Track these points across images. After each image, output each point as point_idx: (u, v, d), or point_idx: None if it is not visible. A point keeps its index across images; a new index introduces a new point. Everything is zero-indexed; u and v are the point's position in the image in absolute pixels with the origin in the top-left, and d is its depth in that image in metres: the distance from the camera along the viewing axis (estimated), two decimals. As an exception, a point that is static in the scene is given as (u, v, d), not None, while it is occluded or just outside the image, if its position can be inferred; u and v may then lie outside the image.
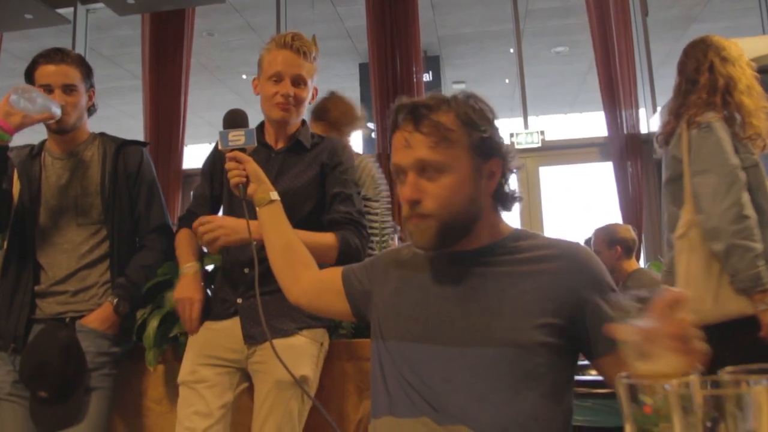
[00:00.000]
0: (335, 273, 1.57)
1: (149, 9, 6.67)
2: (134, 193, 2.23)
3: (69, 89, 2.13)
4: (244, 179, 1.64)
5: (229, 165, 1.66)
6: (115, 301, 2.08)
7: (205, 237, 1.79)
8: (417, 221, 1.30)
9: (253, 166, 1.65)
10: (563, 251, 1.32)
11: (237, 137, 1.66)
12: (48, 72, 2.11)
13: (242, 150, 1.67)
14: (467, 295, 1.31)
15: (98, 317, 2.06)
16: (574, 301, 1.26)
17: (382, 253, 1.56)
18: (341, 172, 2.01)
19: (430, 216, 1.28)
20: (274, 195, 1.64)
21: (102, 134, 2.30)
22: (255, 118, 2.07)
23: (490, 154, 1.32)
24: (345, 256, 1.86)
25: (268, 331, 1.57)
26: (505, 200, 1.38)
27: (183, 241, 2.11)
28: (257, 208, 1.63)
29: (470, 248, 1.36)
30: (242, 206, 1.68)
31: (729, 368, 0.65)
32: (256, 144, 1.71)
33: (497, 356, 1.23)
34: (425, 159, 1.27)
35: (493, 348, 1.23)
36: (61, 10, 6.86)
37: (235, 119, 1.73)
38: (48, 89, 2.10)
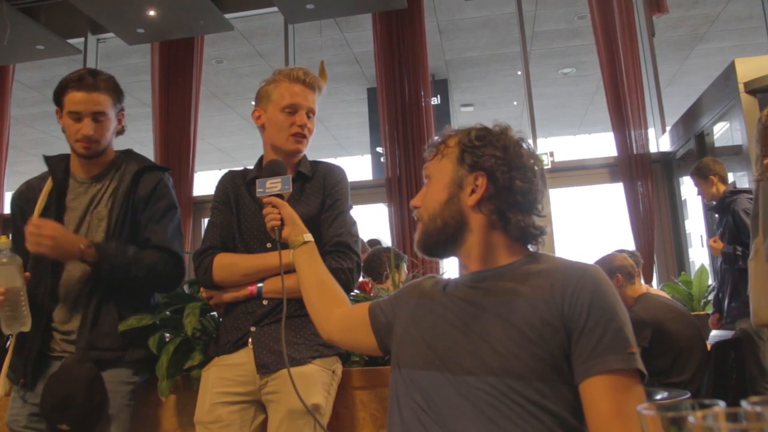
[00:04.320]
0: (363, 308, 1.59)
1: (159, 38, 6.76)
2: (142, 219, 2.11)
3: (98, 117, 2.07)
4: (279, 222, 1.71)
5: (266, 210, 1.74)
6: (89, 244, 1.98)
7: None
8: (417, 226, 1.44)
9: (288, 211, 1.73)
10: (570, 275, 1.26)
11: (274, 184, 1.77)
12: (78, 99, 2.04)
13: (279, 196, 1.76)
14: (469, 322, 1.30)
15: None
16: (571, 327, 1.21)
17: (407, 285, 1.56)
18: (331, 194, 2.05)
19: (420, 220, 1.43)
20: (308, 237, 1.71)
21: (128, 154, 2.22)
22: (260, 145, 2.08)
23: (474, 168, 1.35)
24: (339, 282, 1.83)
25: (285, 351, 1.63)
26: (507, 223, 1.34)
27: (238, 256, 2.02)
28: (291, 250, 1.71)
29: (479, 270, 1.36)
30: (253, 240, 1.98)
31: (753, 398, 0.63)
32: (291, 190, 1.79)
33: (497, 385, 1.20)
34: (426, 170, 1.45)
35: (492, 377, 1.21)
36: (72, 41, 6.97)
37: (273, 168, 1.83)
38: (77, 117, 2.05)
